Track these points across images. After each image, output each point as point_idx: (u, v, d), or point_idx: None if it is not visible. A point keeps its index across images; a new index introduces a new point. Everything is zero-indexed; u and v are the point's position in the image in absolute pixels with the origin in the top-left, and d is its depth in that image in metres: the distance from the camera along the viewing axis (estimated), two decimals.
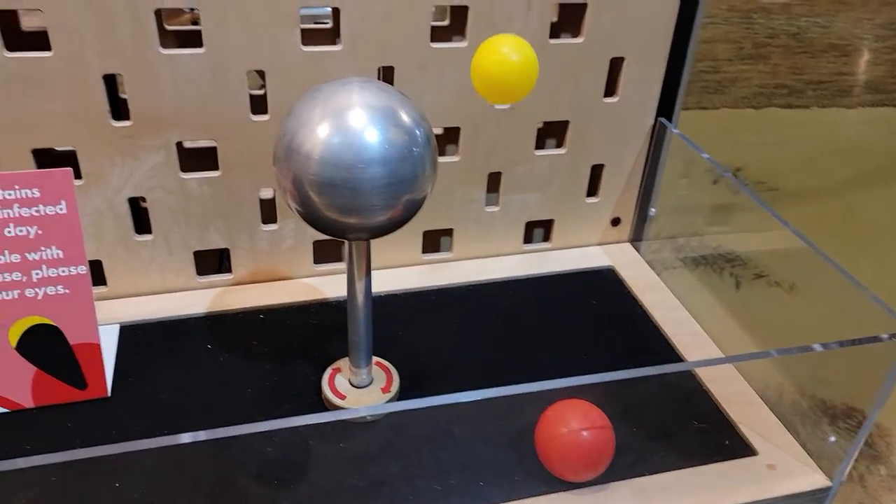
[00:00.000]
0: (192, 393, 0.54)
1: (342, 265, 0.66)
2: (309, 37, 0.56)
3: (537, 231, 0.72)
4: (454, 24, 0.67)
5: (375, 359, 0.56)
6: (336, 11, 0.55)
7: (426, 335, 0.60)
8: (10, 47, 0.51)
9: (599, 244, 0.73)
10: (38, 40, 0.52)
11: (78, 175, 0.56)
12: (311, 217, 0.43)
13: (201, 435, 0.34)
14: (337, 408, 0.52)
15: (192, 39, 0.54)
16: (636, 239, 0.73)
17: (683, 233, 0.71)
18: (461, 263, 0.69)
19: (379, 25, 0.56)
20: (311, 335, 0.60)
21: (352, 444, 0.50)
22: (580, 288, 0.67)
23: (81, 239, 0.50)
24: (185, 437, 0.34)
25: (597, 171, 0.69)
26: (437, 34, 0.59)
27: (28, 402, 0.52)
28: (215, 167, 0.59)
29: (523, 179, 0.67)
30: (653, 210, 0.70)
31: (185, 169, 0.58)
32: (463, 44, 0.59)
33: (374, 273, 0.61)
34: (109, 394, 0.53)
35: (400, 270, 0.68)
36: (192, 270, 0.63)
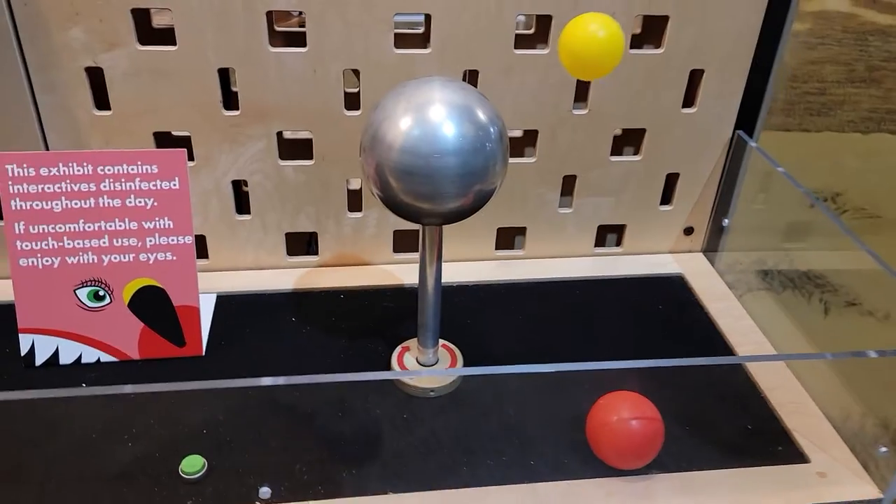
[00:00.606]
0: (275, 359, 0.59)
1: (417, 255, 0.71)
2: (401, 40, 0.61)
3: (610, 235, 0.74)
4: (538, 33, 0.71)
5: (442, 342, 0.59)
6: (427, 17, 0.60)
7: (494, 325, 0.64)
8: (143, 42, 0.58)
9: (671, 252, 0.74)
10: (166, 36, 0.59)
11: (191, 157, 0.63)
12: (390, 201, 0.47)
13: (280, 380, 0.39)
14: (403, 383, 0.56)
15: (297, 40, 0.60)
16: (710, 249, 0.74)
17: (761, 247, 0.71)
18: (532, 261, 0.72)
19: (466, 31, 0.60)
20: (385, 316, 0.64)
21: (414, 415, 0.54)
22: (648, 293, 0.69)
23: (190, 213, 0.57)
24: (266, 381, 0.39)
25: (672, 179, 0.70)
26: (521, 41, 0.62)
27: (135, 354, 0.58)
28: (310, 157, 0.64)
29: (597, 184, 0.69)
30: (726, 221, 0.71)
31: (283, 157, 0.64)
32: (545, 51, 0.62)
33: (448, 265, 0.65)
34: (204, 353, 0.59)
35: (474, 264, 0.71)
36: (283, 251, 0.68)
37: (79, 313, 0.57)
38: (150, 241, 0.57)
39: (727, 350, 0.62)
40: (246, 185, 0.66)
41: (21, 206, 0.55)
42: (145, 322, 0.58)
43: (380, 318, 0.64)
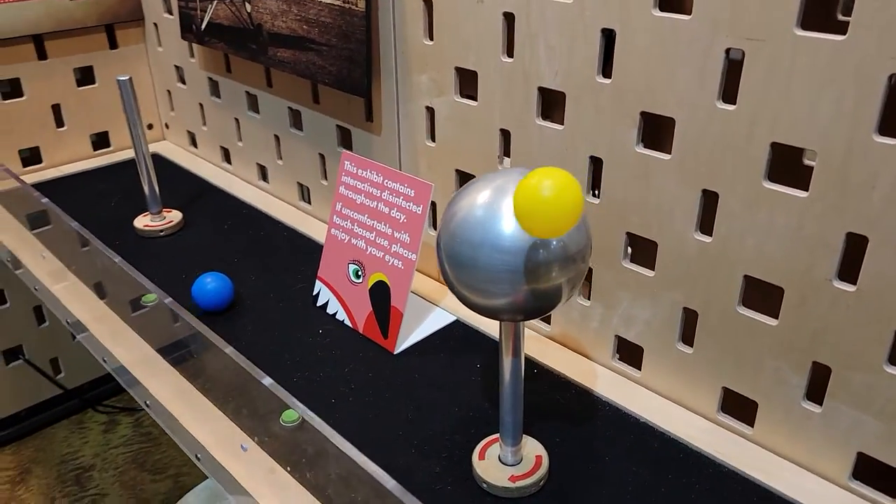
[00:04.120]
0: (425, 385, 0.64)
1: (637, 373, 0.63)
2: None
3: (875, 472, 0.51)
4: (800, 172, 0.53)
5: (538, 453, 0.55)
6: (671, 121, 0.53)
7: (642, 489, 0.54)
8: (462, 94, 0.69)
9: None
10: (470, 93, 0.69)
11: None
12: (450, 286, 0.47)
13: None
14: (471, 466, 0.55)
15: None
16: None
17: None
18: (757, 449, 0.56)
19: (713, 145, 0.51)
20: (544, 406, 0.61)
21: (456, 486, 0.53)
22: None
23: (420, 235, 0.67)
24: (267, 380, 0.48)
25: None
26: (779, 177, 0.49)
27: (360, 328, 0.72)
28: None
29: (862, 392, 0.49)
30: None
31: None
32: (803, 194, 0.48)
33: (663, 402, 0.62)
34: (395, 352, 0.69)
35: (688, 414, 0.60)
36: None
37: (345, 282, 0.74)
38: (394, 247, 0.69)
39: None
40: None
41: (343, 191, 0.74)
42: (373, 307, 0.71)
43: (538, 405, 0.62)
